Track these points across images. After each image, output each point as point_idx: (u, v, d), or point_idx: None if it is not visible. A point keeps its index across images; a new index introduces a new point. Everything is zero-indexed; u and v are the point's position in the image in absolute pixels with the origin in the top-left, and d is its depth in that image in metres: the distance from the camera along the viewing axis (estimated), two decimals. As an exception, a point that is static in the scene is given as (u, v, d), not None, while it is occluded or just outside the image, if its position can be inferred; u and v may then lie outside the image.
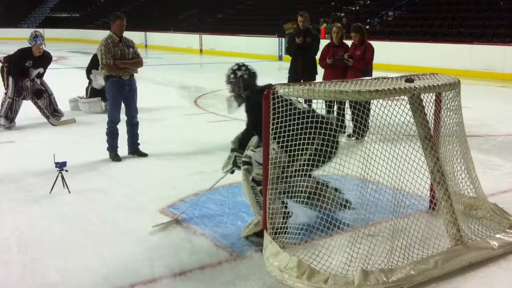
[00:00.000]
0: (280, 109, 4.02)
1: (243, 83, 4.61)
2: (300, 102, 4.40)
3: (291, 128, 4.04)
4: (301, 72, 8.49)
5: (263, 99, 4.02)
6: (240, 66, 4.68)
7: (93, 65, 10.73)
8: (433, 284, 3.69)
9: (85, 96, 10.74)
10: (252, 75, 4.67)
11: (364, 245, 3.91)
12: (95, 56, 10.63)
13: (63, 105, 9.62)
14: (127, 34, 6.80)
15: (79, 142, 7.97)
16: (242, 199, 5.40)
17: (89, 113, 10.29)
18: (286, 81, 8.52)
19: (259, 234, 4.26)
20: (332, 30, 8.56)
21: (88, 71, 10.85)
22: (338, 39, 8.33)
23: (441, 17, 21.63)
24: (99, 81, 10.76)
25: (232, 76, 4.65)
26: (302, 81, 8.20)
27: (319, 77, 8.63)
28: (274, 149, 4.15)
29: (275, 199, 4.14)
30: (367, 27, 22.02)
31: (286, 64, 9.00)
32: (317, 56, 8.55)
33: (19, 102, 8.80)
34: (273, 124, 4.03)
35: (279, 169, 4.14)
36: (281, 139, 4.08)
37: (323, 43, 8.76)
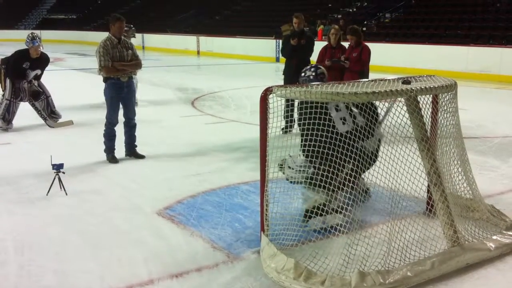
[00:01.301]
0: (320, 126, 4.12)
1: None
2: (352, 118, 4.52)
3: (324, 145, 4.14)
4: (296, 73, 8.49)
5: (260, 100, 4.03)
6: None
7: None
8: (429, 286, 3.70)
9: None
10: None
11: (361, 247, 3.91)
12: None
13: (60, 107, 9.61)
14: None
15: (76, 143, 7.97)
16: (239, 200, 5.42)
17: None
18: (283, 82, 8.53)
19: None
20: (329, 32, 8.57)
21: None
22: (335, 41, 8.35)
23: (437, 19, 21.69)
24: None
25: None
26: (297, 82, 8.21)
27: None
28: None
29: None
30: (364, 29, 22.07)
31: (283, 65, 9.01)
32: (312, 58, 8.56)
33: (17, 104, 8.79)
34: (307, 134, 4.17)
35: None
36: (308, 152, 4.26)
37: (320, 45, 8.77)
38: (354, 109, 4.57)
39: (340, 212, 4.18)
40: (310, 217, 4.41)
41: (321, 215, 4.28)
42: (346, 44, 8.46)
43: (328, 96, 3.82)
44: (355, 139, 4.15)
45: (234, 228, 4.70)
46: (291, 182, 4.68)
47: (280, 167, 4.69)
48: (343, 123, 4.47)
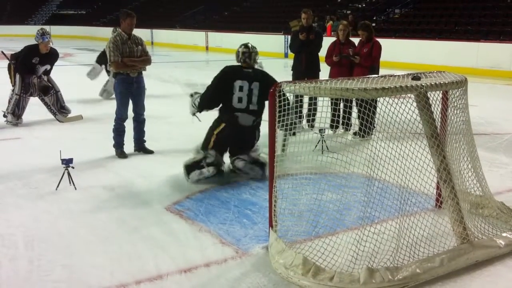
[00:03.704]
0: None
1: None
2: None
3: None
4: (304, 68, 8.49)
5: (269, 96, 4.02)
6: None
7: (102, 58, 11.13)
8: (439, 283, 3.69)
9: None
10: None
11: (370, 243, 3.90)
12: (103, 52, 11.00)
13: (70, 102, 9.65)
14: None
15: (86, 138, 7.99)
16: (248, 196, 5.42)
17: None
18: (291, 78, 8.51)
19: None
20: (338, 28, 8.54)
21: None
22: (344, 36, 8.31)
23: (447, 14, 21.54)
24: (92, 75, 11.12)
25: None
26: (306, 78, 8.20)
27: (323, 74, 8.61)
28: None
29: None
30: (373, 24, 21.96)
31: (292, 61, 8.98)
32: (321, 54, 8.54)
33: (26, 99, 8.83)
34: None
35: None
36: None
37: (329, 40, 8.74)
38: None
39: (214, 165, 5.75)
40: (189, 172, 5.76)
41: (198, 168, 5.72)
42: (354, 40, 8.42)
43: (337, 92, 3.81)
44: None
45: (242, 224, 4.70)
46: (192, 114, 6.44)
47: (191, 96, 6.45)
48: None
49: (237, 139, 5.87)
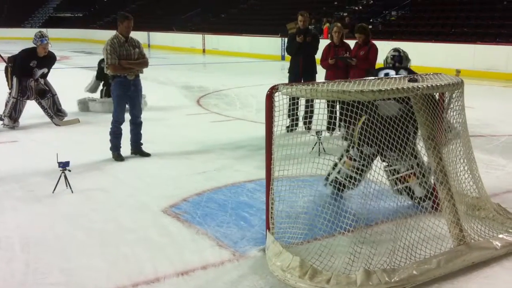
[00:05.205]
0: None
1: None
2: None
3: None
4: (301, 71, 8.50)
5: (266, 98, 4.02)
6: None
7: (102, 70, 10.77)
8: (435, 284, 3.69)
9: (99, 97, 10.75)
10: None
11: (367, 245, 3.91)
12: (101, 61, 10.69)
13: (66, 105, 9.64)
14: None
15: (82, 141, 7.99)
16: (245, 199, 5.42)
17: (101, 112, 10.25)
18: (288, 81, 8.52)
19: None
20: (332, 30, 8.55)
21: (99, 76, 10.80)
22: (338, 39, 8.32)
23: (444, 16, 21.61)
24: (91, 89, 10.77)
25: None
26: (302, 80, 8.22)
27: (319, 77, 8.63)
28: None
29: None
30: (370, 27, 22.01)
31: (289, 64, 9.00)
32: (318, 56, 8.55)
33: (23, 102, 8.82)
34: None
35: None
36: None
37: (326, 43, 8.76)
38: None
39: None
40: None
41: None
42: (350, 42, 8.43)
43: (334, 94, 3.82)
44: None
45: (239, 226, 4.70)
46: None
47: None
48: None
49: None
